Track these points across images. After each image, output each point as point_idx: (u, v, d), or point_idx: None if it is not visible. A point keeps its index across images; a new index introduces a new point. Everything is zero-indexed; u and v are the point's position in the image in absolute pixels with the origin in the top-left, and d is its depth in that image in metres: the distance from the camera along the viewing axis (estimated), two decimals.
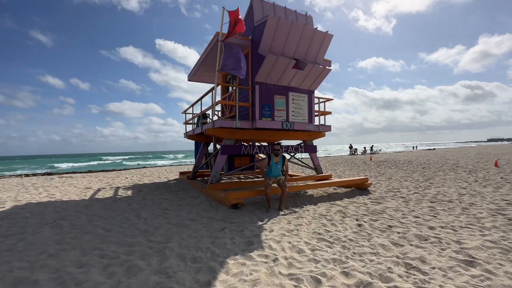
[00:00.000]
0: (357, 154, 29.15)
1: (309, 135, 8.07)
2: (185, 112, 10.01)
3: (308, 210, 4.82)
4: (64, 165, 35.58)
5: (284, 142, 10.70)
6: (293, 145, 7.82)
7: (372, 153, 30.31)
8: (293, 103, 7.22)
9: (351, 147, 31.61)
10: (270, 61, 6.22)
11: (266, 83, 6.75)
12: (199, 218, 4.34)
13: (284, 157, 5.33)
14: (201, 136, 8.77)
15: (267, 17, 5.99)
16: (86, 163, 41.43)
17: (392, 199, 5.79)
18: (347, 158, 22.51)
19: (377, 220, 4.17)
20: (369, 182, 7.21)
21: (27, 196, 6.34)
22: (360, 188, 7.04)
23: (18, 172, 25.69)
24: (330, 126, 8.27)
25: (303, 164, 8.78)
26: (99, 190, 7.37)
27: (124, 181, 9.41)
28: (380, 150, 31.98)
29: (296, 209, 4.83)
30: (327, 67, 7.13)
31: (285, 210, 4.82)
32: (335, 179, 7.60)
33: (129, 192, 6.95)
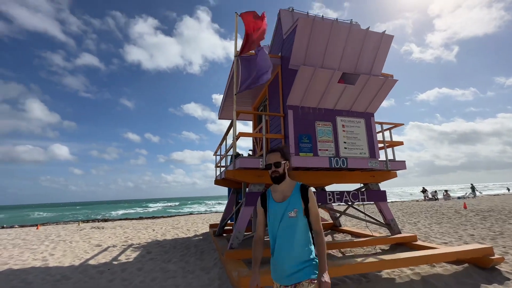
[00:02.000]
0: (437, 199, 23.08)
1: (373, 175, 5.64)
2: (215, 153, 8.76)
3: None
4: (120, 212, 38.09)
5: (337, 187, 8.19)
6: (350, 191, 5.46)
7: (464, 198, 23.65)
8: (344, 131, 5.17)
9: (424, 190, 25.52)
10: (304, 75, 4.57)
11: (302, 107, 5.00)
12: None
13: (304, 188, 1.73)
14: (226, 181, 7.17)
15: (297, 20, 4.57)
16: (140, 209, 43.83)
17: None
18: (425, 205, 17.58)
19: None
20: (497, 256, 4.12)
21: (25, 256, 5.44)
22: (480, 265, 4.02)
23: (82, 218, 28.03)
24: (404, 162, 5.72)
25: (369, 219, 6.12)
26: (105, 249, 6.13)
27: (146, 235, 8.15)
28: (473, 193, 24.83)
29: None
30: (390, 78, 5.07)
31: None
32: (427, 246, 4.73)
33: (133, 255, 5.47)
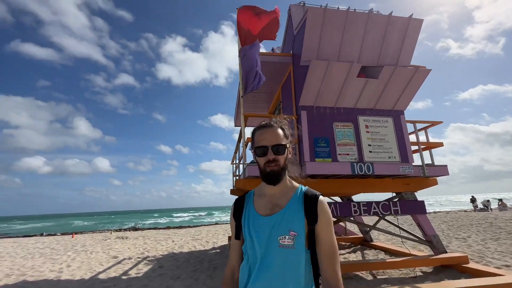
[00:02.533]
0: (490, 209, 20.11)
1: (407, 183, 4.82)
2: (232, 162, 8.44)
3: None
4: (149, 221, 39.45)
5: (364, 196, 7.36)
6: (380, 202, 4.70)
7: None
8: (368, 132, 4.50)
9: (474, 199, 22.45)
10: (317, 70, 4.07)
11: (317, 107, 4.46)
12: None
13: (312, 197, 1.04)
14: (242, 191, 6.75)
15: (306, 11, 4.12)
16: (169, 219, 45.05)
17: None
18: (476, 216, 15.33)
19: None
20: None
21: (44, 267, 5.52)
22: None
23: (115, 227, 29.52)
24: (446, 166, 4.83)
25: (405, 234, 5.24)
26: (119, 262, 6.03)
27: (164, 247, 8.00)
28: None
29: None
30: (421, 67, 4.34)
31: None
32: (483, 270, 3.78)
33: (144, 270, 5.25)
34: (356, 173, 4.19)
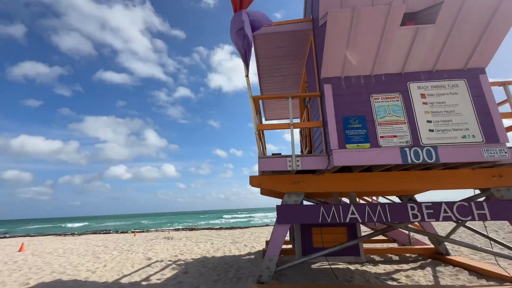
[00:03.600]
0: None
1: (501, 174, 3.26)
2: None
3: None
4: (205, 222, 41.54)
5: (430, 195, 5.63)
6: (455, 202, 3.28)
7: None
8: (425, 104, 3.17)
9: None
10: (339, 24, 3.00)
11: (346, 77, 3.37)
12: None
13: None
14: (271, 191, 5.90)
15: None
16: (222, 220, 46.71)
17: None
18: None
19: None
20: None
21: (85, 266, 5.81)
22: None
23: (177, 226, 32.01)
24: None
25: (499, 248, 3.62)
26: (149, 265, 5.94)
27: (200, 250, 7.77)
28: None
29: None
30: None
31: None
32: None
33: (167, 275, 4.97)
34: (410, 161, 2.95)
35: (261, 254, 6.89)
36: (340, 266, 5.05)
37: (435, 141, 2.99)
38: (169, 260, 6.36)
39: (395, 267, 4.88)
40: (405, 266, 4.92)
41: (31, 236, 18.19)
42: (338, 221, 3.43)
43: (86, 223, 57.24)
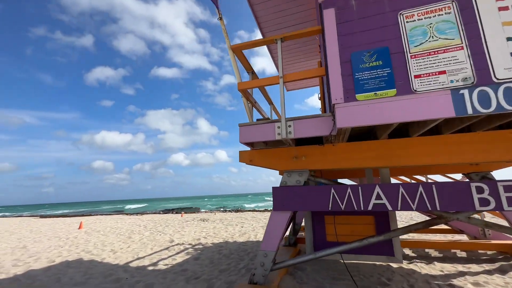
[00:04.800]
0: None
1: None
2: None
3: None
4: (253, 204, 42.39)
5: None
6: None
7: None
8: (504, 9, 1.80)
9: None
10: None
11: None
12: None
13: None
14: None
15: None
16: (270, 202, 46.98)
17: None
18: None
19: None
20: None
21: (109, 247, 6.09)
22: None
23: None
24: None
25: None
26: (167, 248, 5.85)
27: (226, 234, 7.48)
28: None
29: None
30: None
31: None
32: None
33: (176, 261, 4.71)
34: (472, 112, 1.72)
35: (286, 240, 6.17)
36: (376, 262, 3.98)
37: None
38: (189, 244, 6.19)
39: (459, 267, 3.57)
40: (474, 268, 3.57)
41: (99, 215, 21.26)
42: (356, 208, 2.43)
43: (146, 204, 65.20)
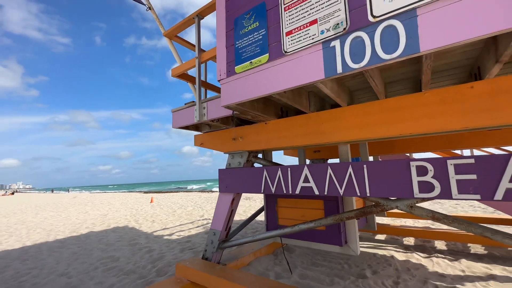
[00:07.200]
0: None
1: None
2: None
3: None
4: None
5: None
6: None
7: None
8: None
9: None
10: None
11: None
12: None
13: None
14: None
15: None
16: None
17: None
18: None
19: None
20: None
21: (144, 219, 7.27)
22: None
23: None
24: None
25: None
26: (194, 221, 6.59)
27: (250, 213, 7.79)
28: None
29: None
30: None
31: None
32: None
33: (181, 235, 5.31)
34: (341, 70, 1.30)
35: None
36: (364, 249, 3.49)
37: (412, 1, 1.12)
38: (210, 220, 6.81)
39: (476, 265, 2.79)
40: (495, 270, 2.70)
41: (173, 192, 25.26)
42: (285, 191, 2.25)
43: (209, 183, 70.45)
